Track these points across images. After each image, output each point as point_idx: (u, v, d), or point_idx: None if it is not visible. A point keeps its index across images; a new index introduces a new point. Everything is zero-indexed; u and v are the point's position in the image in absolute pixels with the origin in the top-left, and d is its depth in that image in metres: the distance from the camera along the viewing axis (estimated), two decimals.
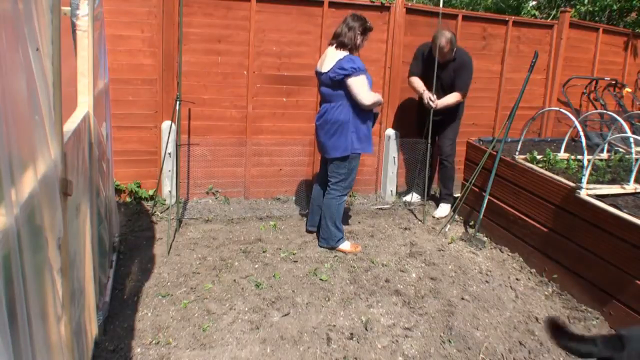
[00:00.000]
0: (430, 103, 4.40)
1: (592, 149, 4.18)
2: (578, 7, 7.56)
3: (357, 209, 4.81)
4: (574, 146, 4.50)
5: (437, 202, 4.90)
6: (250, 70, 4.55)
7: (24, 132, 1.21)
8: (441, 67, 4.42)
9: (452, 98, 4.47)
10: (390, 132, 5.04)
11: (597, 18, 7.94)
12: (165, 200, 4.51)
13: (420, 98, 4.55)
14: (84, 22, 2.27)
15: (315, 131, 3.79)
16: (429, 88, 4.45)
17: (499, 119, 5.68)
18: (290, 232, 4.15)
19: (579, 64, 6.12)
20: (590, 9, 7.65)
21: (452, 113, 4.65)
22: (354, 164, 3.69)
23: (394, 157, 5.03)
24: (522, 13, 7.84)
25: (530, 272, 3.66)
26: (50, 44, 1.45)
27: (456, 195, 4.83)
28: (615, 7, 7.71)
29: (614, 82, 6.42)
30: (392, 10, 4.85)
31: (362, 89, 3.46)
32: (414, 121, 4.90)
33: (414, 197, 5.07)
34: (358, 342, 2.74)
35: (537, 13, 8.01)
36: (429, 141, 4.55)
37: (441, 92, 4.52)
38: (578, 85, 6.19)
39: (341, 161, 3.64)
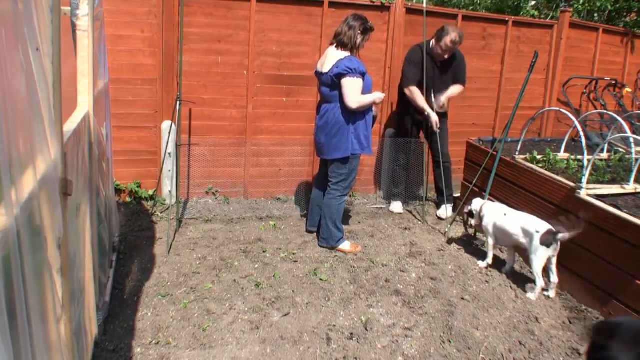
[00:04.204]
0: (435, 129, 4.39)
1: (592, 149, 4.18)
2: (576, 6, 7.57)
3: (357, 209, 4.81)
4: (574, 146, 4.50)
5: (439, 202, 4.88)
6: (250, 70, 4.55)
7: (24, 132, 1.21)
8: (443, 66, 4.43)
9: (457, 90, 4.52)
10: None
11: (595, 18, 7.95)
12: (165, 200, 4.51)
13: (417, 108, 4.45)
14: (84, 22, 2.27)
15: (315, 132, 3.79)
16: (434, 91, 4.43)
17: (499, 119, 5.68)
18: (290, 232, 4.15)
19: (579, 64, 6.13)
20: (588, 7, 7.65)
21: (446, 115, 4.66)
22: (354, 165, 3.69)
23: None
24: (522, 13, 7.84)
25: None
26: (50, 44, 1.45)
27: (455, 195, 4.83)
28: (610, 7, 7.71)
29: (614, 82, 6.42)
30: (392, 10, 4.86)
31: (351, 91, 3.44)
32: (406, 124, 4.72)
33: (397, 207, 4.82)
34: (358, 342, 2.74)
35: (536, 13, 8.01)
36: (415, 137, 4.59)
37: (444, 90, 4.50)
38: (578, 85, 6.19)
39: (342, 162, 3.64)
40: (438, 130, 4.40)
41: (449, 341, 2.81)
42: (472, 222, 3.79)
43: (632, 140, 3.77)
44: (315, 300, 3.12)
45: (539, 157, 3.97)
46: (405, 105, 4.59)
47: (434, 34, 4.41)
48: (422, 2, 4.77)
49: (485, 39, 5.42)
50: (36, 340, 1.24)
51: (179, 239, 3.85)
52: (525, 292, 3.38)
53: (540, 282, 3.29)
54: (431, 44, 4.38)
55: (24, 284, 1.14)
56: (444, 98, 4.43)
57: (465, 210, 3.88)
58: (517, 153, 4.06)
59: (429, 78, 4.37)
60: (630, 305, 2.95)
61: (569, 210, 3.40)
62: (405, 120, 4.71)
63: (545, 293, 3.35)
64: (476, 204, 3.79)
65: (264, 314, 2.93)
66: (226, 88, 4.54)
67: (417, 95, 4.38)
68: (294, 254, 3.73)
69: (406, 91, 4.43)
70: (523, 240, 3.39)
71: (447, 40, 4.21)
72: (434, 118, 4.35)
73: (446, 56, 4.32)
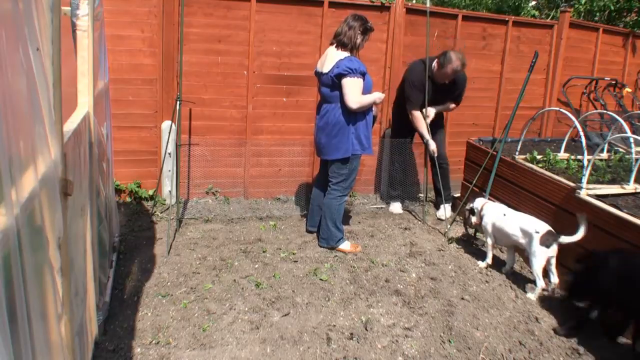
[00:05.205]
0: (434, 154, 4.39)
1: (592, 149, 4.18)
2: (577, 6, 7.57)
3: (357, 209, 4.81)
4: (574, 146, 4.50)
5: (437, 202, 4.87)
6: (250, 70, 4.55)
7: (24, 132, 1.21)
8: (443, 87, 4.38)
9: (449, 109, 4.65)
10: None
11: (596, 18, 7.95)
12: (165, 200, 4.51)
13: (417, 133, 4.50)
14: (84, 22, 2.27)
15: (315, 132, 3.79)
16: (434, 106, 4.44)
17: (499, 119, 5.68)
18: (290, 232, 4.15)
19: (579, 64, 6.13)
20: (589, 7, 7.66)
21: (442, 116, 4.75)
22: (354, 165, 3.69)
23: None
24: (522, 13, 7.84)
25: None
26: (50, 43, 1.45)
27: (455, 195, 4.83)
28: (612, 7, 7.72)
29: (614, 82, 6.42)
30: (392, 10, 4.86)
31: (351, 91, 3.44)
32: (401, 126, 4.73)
33: (396, 208, 4.85)
34: (358, 342, 2.74)
35: (536, 13, 8.01)
36: (410, 138, 4.58)
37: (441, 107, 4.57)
38: (578, 85, 6.19)
39: (342, 162, 3.64)
40: (435, 154, 4.39)
41: (449, 341, 2.81)
42: (473, 219, 3.80)
43: (632, 140, 3.76)
44: (315, 300, 3.12)
45: (539, 157, 3.97)
46: (401, 107, 4.59)
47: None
48: (424, 2, 4.76)
49: (485, 39, 5.41)
50: (36, 340, 1.24)
51: (179, 239, 3.85)
52: (525, 292, 3.38)
53: (540, 282, 3.29)
54: (433, 66, 4.30)
55: (24, 283, 1.14)
56: (433, 112, 4.44)
57: (467, 208, 3.89)
58: (517, 153, 4.06)
59: (428, 97, 4.34)
60: None
61: (569, 211, 3.40)
62: (401, 122, 4.70)
63: (545, 293, 3.35)
64: (478, 202, 3.80)
65: (264, 314, 2.93)
66: (226, 88, 4.54)
67: (419, 121, 4.39)
68: (294, 254, 3.73)
69: (410, 114, 4.44)
70: (522, 240, 3.39)
71: (449, 69, 4.17)
72: (432, 147, 4.37)
73: (447, 81, 4.31)
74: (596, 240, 3.17)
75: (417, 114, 4.39)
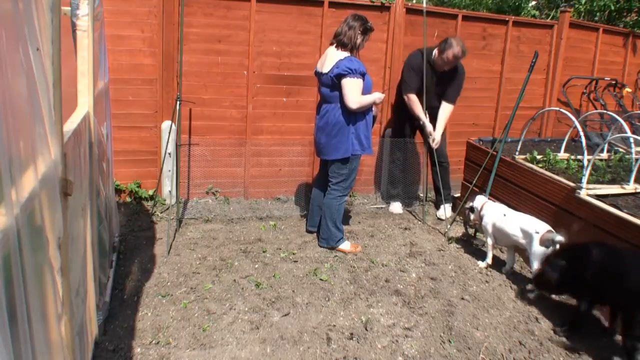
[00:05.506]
0: (433, 144, 4.34)
1: (592, 149, 4.18)
2: (577, 6, 7.58)
3: (357, 209, 4.81)
4: (574, 146, 4.50)
5: (438, 202, 4.87)
6: (250, 70, 4.55)
7: (24, 132, 1.21)
8: (442, 76, 4.36)
9: (448, 113, 4.44)
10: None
11: (596, 18, 7.96)
12: (165, 200, 4.51)
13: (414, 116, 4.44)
14: (84, 22, 2.27)
15: (315, 132, 3.79)
16: (428, 100, 4.35)
17: (499, 119, 5.68)
18: (290, 232, 4.15)
19: (579, 64, 6.13)
20: (589, 7, 7.66)
21: None
22: (354, 165, 3.69)
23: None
24: (522, 13, 7.85)
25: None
26: (50, 43, 1.45)
27: (455, 195, 4.83)
28: (612, 7, 7.72)
29: (614, 82, 6.42)
30: (392, 10, 4.86)
31: (351, 91, 3.43)
32: (402, 125, 4.73)
33: (396, 208, 4.86)
34: (358, 342, 2.74)
35: (536, 13, 8.02)
36: (410, 137, 4.57)
37: (436, 100, 4.48)
38: (578, 85, 6.19)
39: (342, 162, 3.64)
40: (433, 140, 4.34)
41: (449, 341, 2.81)
42: (472, 217, 3.80)
43: (632, 140, 3.77)
44: (315, 300, 3.13)
45: (539, 157, 3.98)
46: (401, 106, 4.58)
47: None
48: (422, 2, 4.76)
49: (485, 39, 5.42)
50: (36, 340, 1.24)
51: (179, 239, 3.86)
52: (525, 292, 3.37)
53: None
54: (433, 53, 4.30)
55: (24, 283, 1.14)
56: (438, 135, 4.36)
57: (467, 206, 3.89)
58: (517, 153, 4.07)
59: (426, 85, 4.31)
60: None
61: (569, 211, 3.40)
62: (401, 120, 4.70)
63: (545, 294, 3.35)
64: (478, 201, 3.80)
65: (264, 314, 2.94)
66: (226, 88, 4.54)
67: (415, 103, 4.36)
68: (294, 254, 3.73)
69: (405, 98, 4.41)
70: (522, 241, 3.39)
71: (450, 54, 4.14)
72: (429, 128, 4.35)
73: (446, 68, 4.29)
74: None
75: (412, 97, 4.36)
